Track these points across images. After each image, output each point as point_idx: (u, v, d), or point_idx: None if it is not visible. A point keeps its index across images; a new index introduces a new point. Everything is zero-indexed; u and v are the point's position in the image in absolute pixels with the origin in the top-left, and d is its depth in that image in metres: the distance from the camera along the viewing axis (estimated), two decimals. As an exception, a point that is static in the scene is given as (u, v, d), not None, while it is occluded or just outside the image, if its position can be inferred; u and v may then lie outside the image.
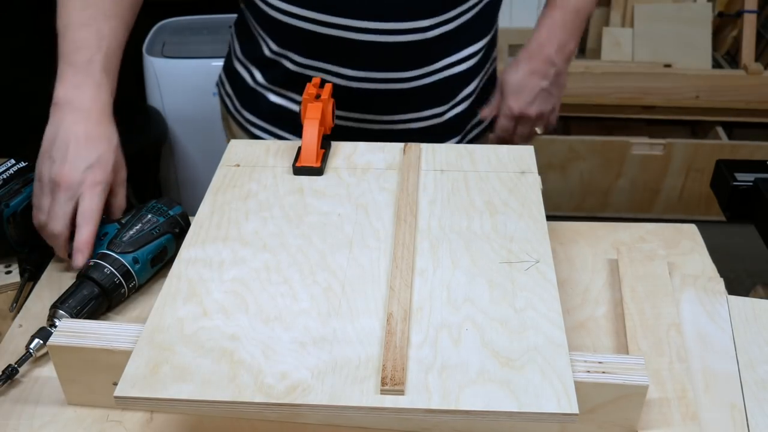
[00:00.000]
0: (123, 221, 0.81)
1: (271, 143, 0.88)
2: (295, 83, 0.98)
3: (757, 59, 2.34)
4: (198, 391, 0.56)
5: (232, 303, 0.64)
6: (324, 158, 0.83)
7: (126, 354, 0.60)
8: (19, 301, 0.84)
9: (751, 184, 0.97)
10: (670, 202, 2.45)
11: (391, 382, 0.56)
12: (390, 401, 0.56)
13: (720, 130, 2.40)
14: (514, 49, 2.43)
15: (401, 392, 0.56)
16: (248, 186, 0.80)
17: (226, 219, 0.75)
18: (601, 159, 2.37)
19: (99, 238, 0.79)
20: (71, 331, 0.64)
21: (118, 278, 0.76)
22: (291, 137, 1.04)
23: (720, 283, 0.81)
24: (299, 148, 0.83)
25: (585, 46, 2.50)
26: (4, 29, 2.22)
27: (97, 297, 0.75)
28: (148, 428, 0.66)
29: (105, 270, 0.76)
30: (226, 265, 0.69)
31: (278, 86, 1.02)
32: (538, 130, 1.05)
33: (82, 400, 0.68)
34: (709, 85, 2.28)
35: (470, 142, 1.10)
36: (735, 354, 0.73)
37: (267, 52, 0.99)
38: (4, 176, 0.85)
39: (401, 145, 0.86)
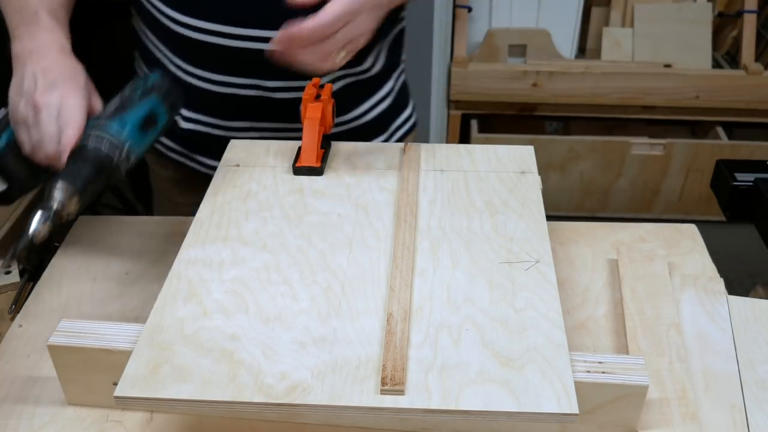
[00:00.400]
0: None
1: (272, 143, 0.88)
2: (200, 101, 0.97)
3: (757, 59, 2.34)
4: (198, 391, 0.56)
5: (232, 303, 0.64)
6: (324, 158, 0.83)
7: (126, 354, 0.60)
8: (19, 301, 0.84)
9: (751, 184, 0.97)
10: (670, 202, 2.45)
11: (391, 382, 0.56)
12: (390, 401, 0.56)
13: (720, 130, 2.40)
14: (514, 49, 2.43)
15: (401, 392, 0.56)
16: (248, 186, 0.80)
17: (226, 219, 0.75)
18: (601, 159, 2.37)
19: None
20: (71, 331, 0.64)
21: (107, 142, 0.70)
22: (208, 161, 1.02)
23: (720, 283, 0.81)
24: (299, 148, 0.83)
25: (585, 46, 2.50)
26: (4, 29, 2.22)
27: (92, 170, 0.70)
28: (148, 428, 0.66)
29: (90, 141, 0.70)
30: (226, 265, 0.69)
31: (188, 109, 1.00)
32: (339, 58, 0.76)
33: (82, 400, 0.68)
34: (709, 85, 2.28)
35: (399, 140, 1.09)
36: (735, 354, 0.73)
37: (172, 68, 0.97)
38: None
39: (401, 145, 0.87)
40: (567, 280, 0.82)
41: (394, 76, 1.06)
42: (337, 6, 0.70)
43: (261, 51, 0.87)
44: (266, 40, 0.87)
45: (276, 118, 0.97)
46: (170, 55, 0.95)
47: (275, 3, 0.77)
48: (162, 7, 0.91)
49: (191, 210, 0.78)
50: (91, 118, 0.75)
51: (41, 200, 0.67)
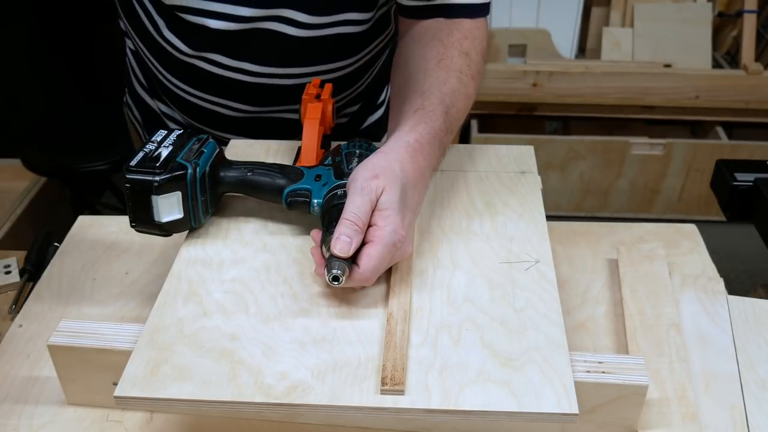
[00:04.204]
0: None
1: (272, 143, 0.88)
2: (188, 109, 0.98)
3: (757, 59, 2.34)
4: (198, 391, 0.56)
5: (232, 303, 0.64)
6: (324, 158, 0.83)
7: (126, 354, 0.60)
8: (19, 301, 0.84)
9: (751, 184, 0.97)
10: (670, 202, 2.45)
11: (391, 382, 0.56)
12: (390, 401, 0.56)
13: (720, 130, 2.40)
14: (514, 49, 2.43)
15: (401, 392, 0.56)
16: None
17: (225, 219, 0.75)
18: (601, 159, 2.37)
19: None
20: (71, 331, 0.64)
21: None
22: None
23: (720, 283, 0.81)
24: (299, 148, 0.83)
25: (585, 46, 2.50)
26: (4, 29, 2.22)
27: None
28: (148, 428, 0.66)
29: None
30: (226, 265, 0.69)
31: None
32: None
33: (82, 400, 0.68)
34: (709, 85, 2.28)
35: None
36: (735, 354, 0.73)
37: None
38: (172, 141, 0.73)
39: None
40: (567, 280, 0.82)
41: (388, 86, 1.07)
42: (375, 260, 0.62)
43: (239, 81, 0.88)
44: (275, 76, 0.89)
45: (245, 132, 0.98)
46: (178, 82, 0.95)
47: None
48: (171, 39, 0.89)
49: None
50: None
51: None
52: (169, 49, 0.89)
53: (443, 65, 0.78)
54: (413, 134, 0.70)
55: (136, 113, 1.09)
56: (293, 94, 0.90)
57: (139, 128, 1.10)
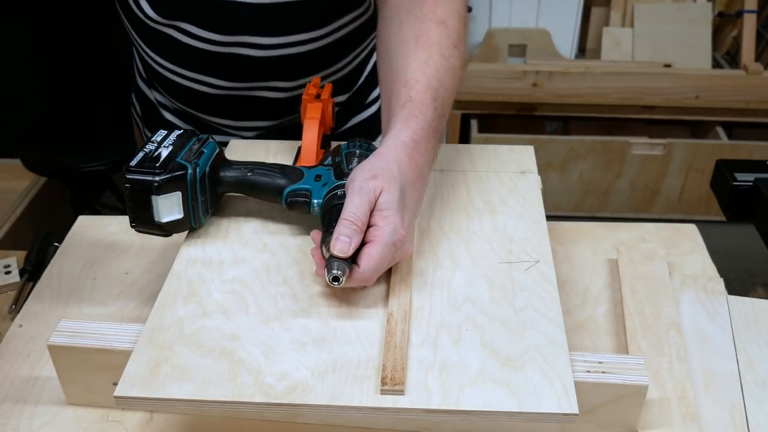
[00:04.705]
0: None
1: (271, 143, 0.88)
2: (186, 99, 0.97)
3: (757, 59, 2.34)
4: (198, 391, 0.56)
5: (232, 303, 0.64)
6: (324, 158, 0.83)
7: (126, 354, 0.60)
8: (19, 301, 0.84)
9: (751, 184, 0.97)
10: (670, 202, 2.45)
11: (391, 382, 0.56)
12: (390, 401, 0.56)
13: (720, 130, 2.40)
14: (514, 49, 2.43)
15: (401, 392, 0.56)
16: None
17: (225, 219, 0.75)
18: (601, 159, 2.37)
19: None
20: (71, 331, 0.64)
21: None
22: None
23: (720, 283, 0.81)
24: (299, 148, 0.83)
25: (585, 46, 2.50)
26: (4, 30, 2.22)
27: None
28: (148, 428, 0.66)
29: None
30: (226, 265, 0.69)
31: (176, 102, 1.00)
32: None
33: (81, 400, 0.68)
34: (709, 85, 2.28)
35: None
36: (735, 354, 0.73)
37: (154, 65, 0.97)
38: (172, 141, 0.73)
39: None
40: (567, 280, 0.82)
41: None
42: (375, 260, 0.62)
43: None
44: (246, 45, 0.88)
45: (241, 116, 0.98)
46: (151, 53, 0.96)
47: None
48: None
49: None
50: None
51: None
52: (142, 17, 0.89)
53: (422, 43, 0.75)
54: (407, 132, 0.68)
55: (138, 108, 1.09)
56: (270, 67, 0.89)
57: (140, 123, 1.10)
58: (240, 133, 1.00)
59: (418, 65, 0.73)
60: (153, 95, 1.04)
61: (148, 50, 0.95)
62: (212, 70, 0.92)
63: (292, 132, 0.95)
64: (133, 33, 0.95)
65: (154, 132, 0.74)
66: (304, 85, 0.90)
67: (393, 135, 0.68)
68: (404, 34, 0.76)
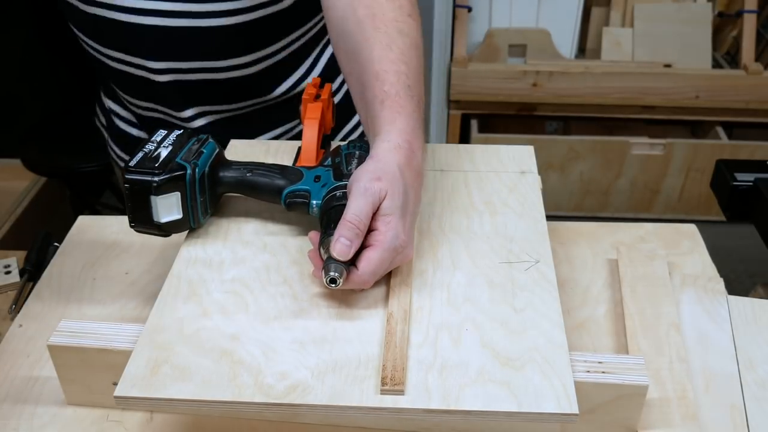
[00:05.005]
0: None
1: (271, 143, 0.88)
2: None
3: (757, 59, 2.34)
4: (198, 391, 0.56)
5: (232, 303, 0.64)
6: (324, 158, 0.83)
7: (126, 354, 0.60)
8: (19, 301, 0.84)
9: (751, 184, 0.97)
10: (670, 202, 2.45)
11: (391, 382, 0.56)
12: (390, 401, 0.56)
13: (720, 130, 2.40)
14: (514, 49, 2.43)
15: (401, 392, 0.56)
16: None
17: (225, 219, 0.75)
18: (601, 159, 2.37)
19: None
20: (71, 331, 0.64)
21: None
22: None
23: (720, 283, 0.81)
24: (299, 148, 0.83)
25: (585, 46, 2.50)
26: (4, 30, 2.22)
27: None
28: (148, 428, 0.66)
29: None
30: (226, 265, 0.69)
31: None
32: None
33: (81, 400, 0.68)
34: (709, 85, 2.29)
35: None
36: (735, 354, 0.73)
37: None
38: (171, 141, 0.73)
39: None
40: (567, 280, 0.82)
41: None
42: (374, 264, 0.62)
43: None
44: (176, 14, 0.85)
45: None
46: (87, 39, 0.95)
47: None
48: None
49: None
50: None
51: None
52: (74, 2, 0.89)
53: (378, 22, 0.73)
54: (395, 134, 0.67)
55: (102, 119, 1.11)
56: (211, 41, 0.87)
57: (105, 133, 1.11)
58: (190, 123, 0.97)
59: (382, 51, 0.72)
60: (108, 104, 1.04)
61: (84, 37, 0.94)
62: (152, 51, 0.89)
63: (251, 120, 0.94)
64: (71, 23, 0.95)
65: (153, 132, 0.74)
66: (244, 65, 0.88)
67: (384, 138, 0.67)
68: (359, 13, 0.74)
